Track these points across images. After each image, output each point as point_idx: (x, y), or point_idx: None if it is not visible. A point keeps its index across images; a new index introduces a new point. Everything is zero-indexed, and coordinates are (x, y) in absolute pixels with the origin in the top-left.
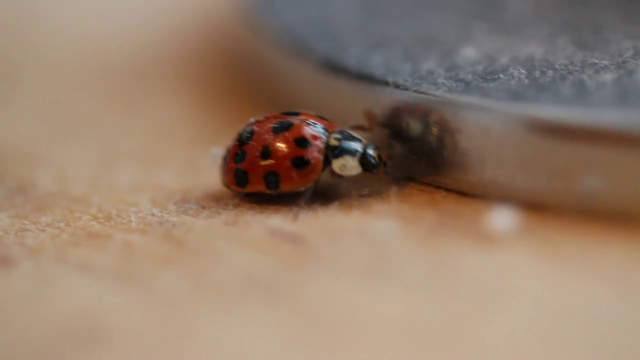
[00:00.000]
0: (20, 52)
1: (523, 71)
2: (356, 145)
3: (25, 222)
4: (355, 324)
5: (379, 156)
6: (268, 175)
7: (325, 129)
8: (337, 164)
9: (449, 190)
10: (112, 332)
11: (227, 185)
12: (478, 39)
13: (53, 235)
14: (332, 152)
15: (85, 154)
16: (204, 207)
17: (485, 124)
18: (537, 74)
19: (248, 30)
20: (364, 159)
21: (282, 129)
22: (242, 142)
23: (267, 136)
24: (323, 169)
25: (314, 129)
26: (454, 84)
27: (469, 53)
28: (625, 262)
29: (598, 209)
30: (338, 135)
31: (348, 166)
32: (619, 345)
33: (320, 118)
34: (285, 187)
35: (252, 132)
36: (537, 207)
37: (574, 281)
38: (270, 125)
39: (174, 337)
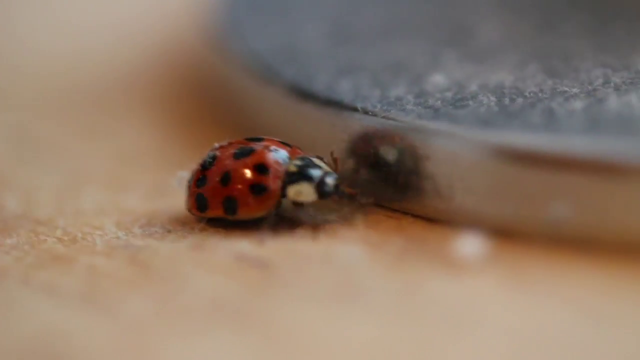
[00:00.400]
0: None
1: (492, 98)
2: (314, 172)
3: None
4: (321, 349)
5: (336, 185)
6: (226, 201)
7: (287, 156)
8: (292, 190)
9: (416, 216)
10: (76, 356)
11: (189, 209)
12: (447, 66)
13: (17, 258)
14: (290, 178)
15: (50, 177)
16: (169, 231)
17: (453, 151)
18: (506, 101)
19: (215, 55)
20: (320, 187)
21: (242, 154)
22: (204, 167)
23: (227, 162)
24: (282, 196)
25: (274, 156)
26: (422, 111)
27: (438, 80)
28: (594, 288)
29: (566, 235)
30: (298, 162)
31: (304, 193)
32: None
33: (283, 144)
34: (242, 213)
35: (214, 157)
36: (505, 233)
37: (542, 308)
38: (232, 150)
39: None
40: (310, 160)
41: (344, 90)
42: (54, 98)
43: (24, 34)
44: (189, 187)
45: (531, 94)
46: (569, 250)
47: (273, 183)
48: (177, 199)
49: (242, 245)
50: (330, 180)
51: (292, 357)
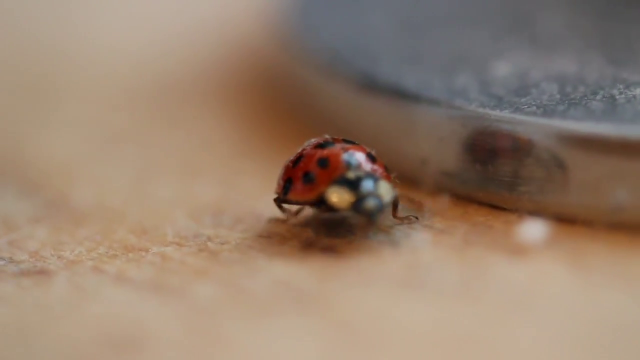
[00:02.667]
0: (60, 70)
1: (555, 86)
2: (362, 188)
3: (63, 234)
4: (388, 333)
5: (373, 210)
6: (287, 180)
7: (357, 164)
8: (332, 190)
9: (481, 203)
10: (149, 340)
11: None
12: (511, 55)
13: (90, 248)
14: (340, 180)
15: (124, 169)
16: (239, 221)
17: (518, 138)
18: (568, 89)
19: (285, 49)
20: (357, 202)
21: (321, 146)
22: (298, 151)
23: (308, 149)
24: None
25: (343, 157)
26: (493, 100)
27: (502, 69)
28: None
29: (627, 221)
30: (360, 173)
31: (339, 196)
32: None
33: (369, 157)
34: (291, 195)
35: (308, 144)
36: (567, 220)
37: (603, 291)
38: (320, 141)
39: (208, 343)
40: (374, 178)
41: (414, 82)
42: (126, 91)
43: (98, 30)
44: None
45: (593, 82)
46: (629, 235)
47: (323, 178)
48: (249, 189)
49: (310, 233)
50: (371, 203)
51: (359, 340)
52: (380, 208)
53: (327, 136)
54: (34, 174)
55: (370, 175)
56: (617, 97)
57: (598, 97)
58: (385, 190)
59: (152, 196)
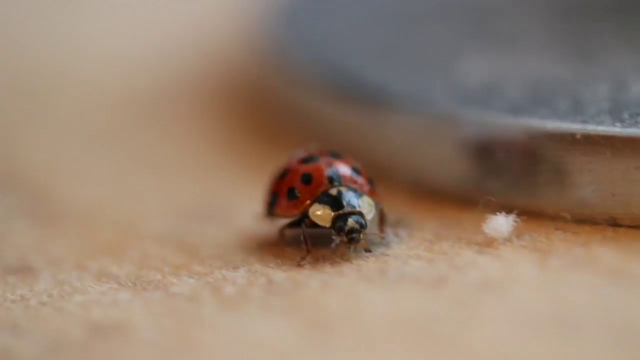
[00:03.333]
0: (46, 74)
1: (522, 85)
2: (344, 205)
3: (45, 231)
4: (360, 318)
5: (351, 230)
6: (272, 195)
7: (340, 179)
8: (314, 208)
9: (450, 198)
10: (132, 325)
11: None
12: (477, 54)
13: (72, 245)
14: (322, 197)
15: (105, 167)
16: (216, 217)
17: (487, 136)
18: (535, 86)
19: (264, 59)
20: (337, 219)
21: (306, 161)
22: (283, 163)
23: (293, 163)
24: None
25: (327, 172)
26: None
27: (470, 68)
28: (619, 256)
29: (590, 213)
30: (343, 189)
31: (320, 214)
32: (621, 326)
33: (353, 169)
34: (277, 210)
35: (294, 157)
36: (533, 213)
37: (565, 275)
38: (305, 155)
39: (189, 328)
40: (357, 195)
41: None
42: (109, 96)
43: (85, 39)
44: None
45: (559, 79)
46: (592, 226)
47: (306, 194)
48: (226, 187)
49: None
50: (351, 222)
51: (333, 324)
52: (361, 227)
53: (312, 149)
54: (16, 170)
55: (353, 191)
56: (582, 94)
57: (564, 94)
58: (368, 208)
59: (132, 193)
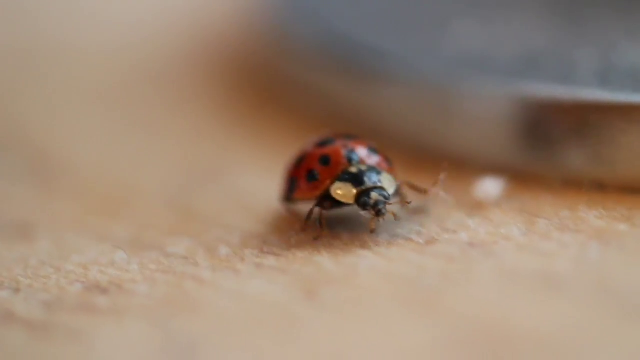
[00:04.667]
0: (55, 37)
1: (511, 51)
2: (366, 181)
3: (45, 190)
4: (354, 273)
5: (378, 202)
6: (291, 180)
7: (359, 158)
8: (336, 186)
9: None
10: (127, 281)
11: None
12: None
13: (70, 206)
14: (342, 176)
15: (103, 128)
16: (214, 180)
17: (478, 101)
18: (526, 53)
19: (268, 37)
20: (361, 195)
21: (321, 144)
22: (300, 149)
23: (309, 147)
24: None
25: (344, 153)
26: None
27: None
28: (604, 219)
29: (576, 178)
30: (362, 167)
31: (343, 191)
32: (605, 286)
33: (369, 149)
34: (297, 194)
35: (310, 143)
36: (522, 177)
37: (557, 235)
38: (320, 140)
39: (183, 283)
40: (377, 171)
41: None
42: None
43: (85, 8)
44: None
45: (549, 46)
46: (577, 191)
47: (326, 175)
48: (223, 151)
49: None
50: (375, 195)
51: (326, 280)
52: (386, 199)
53: (328, 134)
54: (16, 129)
55: (372, 168)
56: (573, 61)
57: (556, 61)
58: (389, 182)
59: (131, 154)
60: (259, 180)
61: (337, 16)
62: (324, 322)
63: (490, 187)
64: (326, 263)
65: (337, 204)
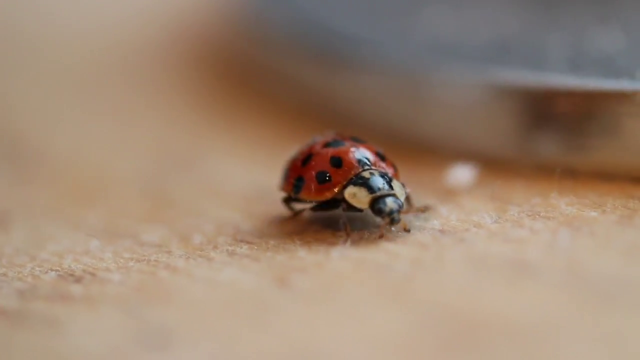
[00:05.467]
0: (17, 51)
1: (486, 38)
2: (380, 187)
3: (21, 176)
4: (330, 261)
5: (393, 210)
6: (297, 179)
7: (369, 162)
8: (350, 190)
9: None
10: (102, 269)
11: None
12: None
13: (46, 192)
14: (356, 180)
15: (79, 115)
16: (186, 167)
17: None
18: (499, 41)
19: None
20: (376, 201)
21: (331, 145)
22: (302, 148)
23: (316, 147)
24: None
25: (355, 155)
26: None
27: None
28: (575, 205)
29: (549, 165)
30: (375, 172)
31: (357, 197)
32: (575, 271)
33: (377, 155)
34: (303, 194)
35: (313, 141)
36: (493, 163)
37: (529, 220)
38: (328, 140)
39: (156, 271)
40: (389, 178)
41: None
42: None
43: (61, 16)
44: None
45: (518, 33)
46: (548, 177)
47: (339, 177)
48: (198, 139)
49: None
50: (390, 203)
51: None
52: (400, 207)
53: (333, 134)
54: None
55: (384, 174)
56: (544, 47)
57: (527, 48)
58: (400, 190)
59: (107, 142)
60: (232, 168)
61: (311, 4)
62: (296, 309)
63: (462, 174)
64: (299, 251)
65: (349, 207)
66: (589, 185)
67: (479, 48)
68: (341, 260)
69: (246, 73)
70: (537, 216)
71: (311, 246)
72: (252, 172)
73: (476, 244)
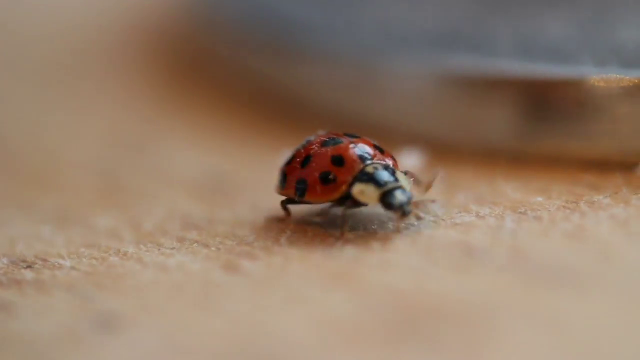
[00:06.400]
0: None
1: (434, 25)
2: (387, 180)
3: None
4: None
5: (404, 203)
6: (299, 182)
7: (370, 156)
8: (357, 187)
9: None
10: (53, 255)
11: (276, 185)
12: None
13: None
14: (361, 176)
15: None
16: (138, 152)
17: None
18: (447, 27)
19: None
20: (386, 195)
21: (328, 144)
22: (297, 149)
23: (313, 147)
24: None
25: (356, 152)
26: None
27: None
28: (521, 191)
29: (497, 151)
30: (378, 166)
31: (366, 193)
32: (521, 256)
33: (375, 147)
34: (308, 197)
35: (308, 142)
36: (441, 149)
37: (475, 205)
38: (324, 139)
39: (107, 256)
40: (392, 170)
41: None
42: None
43: (19, 13)
44: (281, 166)
45: (467, 20)
46: (493, 161)
47: (343, 176)
48: (141, 129)
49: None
50: (400, 196)
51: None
52: (410, 199)
53: (325, 132)
54: None
55: (387, 167)
56: (493, 34)
57: (476, 35)
58: (405, 181)
59: (57, 128)
60: (185, 154)
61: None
62: (245, 292)
63: (410, 159)
64: (248, 236)
65: (356, 204)
66: (536, 170)
67: (428, 35)
68: (289, 246)
69: (198, 61)
70: (483, 201)
71: (260, 232)
72: (204, 158)
73: (423, 229)
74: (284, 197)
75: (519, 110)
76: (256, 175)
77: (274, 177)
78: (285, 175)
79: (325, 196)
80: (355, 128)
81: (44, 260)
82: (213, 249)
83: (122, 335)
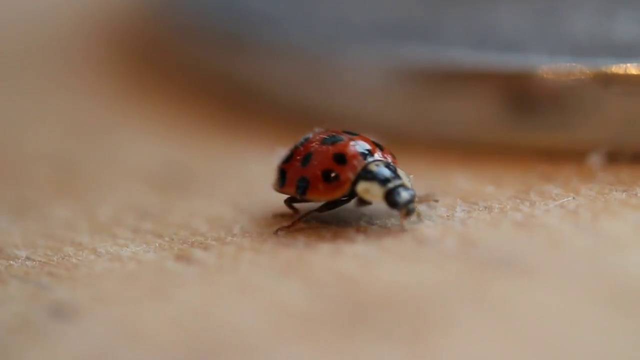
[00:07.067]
0: None
1: (392, 17)
2: (390, 178)
3: None
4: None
5: (409, 201)
6: (300, 180)
7: (371, 154)
8: (362, 186)
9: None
10: (11, 246)
11: (273, 183)
12: None
13: None
14: (365, 175)
15: None
16: (91, 146)
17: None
18: (401, 20)
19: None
20: (391, 194)
21: (329, 141)
22: (295, 147)
23: (313, 145)
24: (353, 189)
25: (357, 149)
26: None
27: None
28: (472, 181)
29: (449, 141)
30: (381, 164)
31: (371, 192)
32: (475, 245)
33: (375, 144)
34: (311, 195)
35: (306, 139)
36: (396, 140)
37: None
38: (323, 136)
39: (63, 247)
40: (394, 167)
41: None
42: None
43: None
44: (280, 162)
45: (421, 13)
46: (446, 151)
47: (345, 174)
48: (100, 118)
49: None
50: (405, 194)
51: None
52: (413, 197)
53: (322, 129)
54: None
55: (389, 165)
56: (447, 26)
57: (429, 26)
58: (407, 178)
59: (16, 118)
60: (141, 144)
61: None
62: (198, 281)
63: None
64: (201, 227)
65: (361, 202)
66: (489, 161)
67: (384, 28)
68: (242, 236)
69: (154, 53)
70: (435, 191)
71: (214, 222)
72: (160, 149)
73: (375, 217)
74: (283, 196)
75: (473, 101)
76: (211, 166)
77: (229, 167)
78: (284, 173)
79: (328, 194)
80: (311, 119)
81: (0, 250)
82: (167, 239)
83: (77, 324)
